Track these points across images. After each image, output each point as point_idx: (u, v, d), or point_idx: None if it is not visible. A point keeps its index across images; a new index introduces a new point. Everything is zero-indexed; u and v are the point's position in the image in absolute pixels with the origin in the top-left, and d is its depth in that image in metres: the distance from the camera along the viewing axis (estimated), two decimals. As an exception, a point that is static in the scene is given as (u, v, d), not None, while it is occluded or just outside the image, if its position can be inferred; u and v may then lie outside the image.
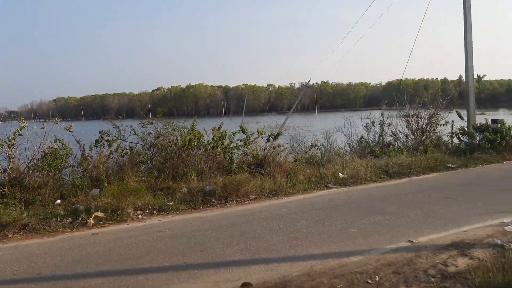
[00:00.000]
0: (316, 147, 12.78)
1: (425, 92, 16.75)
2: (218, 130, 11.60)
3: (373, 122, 14.82)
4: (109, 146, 10.20)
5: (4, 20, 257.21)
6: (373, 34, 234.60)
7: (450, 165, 12.15)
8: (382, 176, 11.22)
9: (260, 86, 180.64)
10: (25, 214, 7.43)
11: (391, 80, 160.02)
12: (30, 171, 8.85)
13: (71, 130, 9.72)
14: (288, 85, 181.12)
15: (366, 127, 14.93)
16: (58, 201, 8.43)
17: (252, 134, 11.96)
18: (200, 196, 8.86)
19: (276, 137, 12.08)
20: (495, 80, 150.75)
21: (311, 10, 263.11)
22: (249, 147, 11.76)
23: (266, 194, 9.43)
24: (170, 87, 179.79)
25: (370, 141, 14.68)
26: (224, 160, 11.14)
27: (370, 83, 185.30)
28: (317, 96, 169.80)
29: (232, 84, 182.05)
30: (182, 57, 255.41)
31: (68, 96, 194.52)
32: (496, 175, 10.95)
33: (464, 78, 16.71)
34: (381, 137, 14.73)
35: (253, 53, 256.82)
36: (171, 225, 7.18)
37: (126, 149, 10.60)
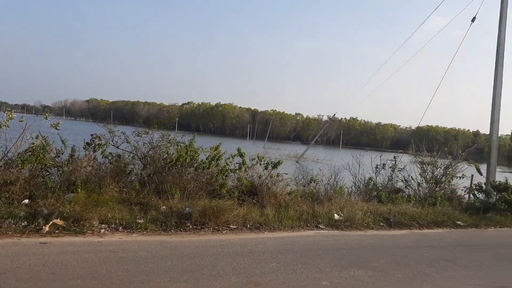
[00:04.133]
0: (315, 182, 11.95)
1: (454, 142, 15.78)
2: (215, 149, 11.05)
3: (383, 164, 13.90)
4: (94, 151, 9.76)
5: (49, 12, 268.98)
6: (408, 76, 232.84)
7: (459, 222, 11.10)
8: (382, 224, 10.30)
9: (288, 113, 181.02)
10: (-18, 211, 6.95)
11: (421, 125, 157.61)
12: (6, 166, 8.43)
13: (57, 127, 9.34)
14: (316, 116, 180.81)
15: (376, 168, 14.03)
16: (26, 201, 7.91)
17: (253, 159, 11.38)
18: (174, 218, 8.18)
19: (275, 165, 11.34)
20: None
21: (345, 46, 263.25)
22: (247, 172, 11.12)
23: (248, 226, 8.68)
24: (200, 103, 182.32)
25: (379, 184, 13.76)
26: (215, 183, 10.50)
27: (399, 126, 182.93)
28: (344, 131, 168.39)
29: (260, 108, 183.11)
30: (215, 75, 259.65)
31: (101, 99, 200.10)
32: (508, 241, 9.86)
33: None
34: (390, 182, 13.79)
35: (284, 80, 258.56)
36: (128, 246, 6.53)
37: (115, 156, 10.17)
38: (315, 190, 11.57)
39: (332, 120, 50.85)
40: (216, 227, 8.30)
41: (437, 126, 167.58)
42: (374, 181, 13.66)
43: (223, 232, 8.16)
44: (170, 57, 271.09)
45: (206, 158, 10.69)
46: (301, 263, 6.55)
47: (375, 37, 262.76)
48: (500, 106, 13.95)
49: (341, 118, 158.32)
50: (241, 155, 11.10)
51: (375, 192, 13.25)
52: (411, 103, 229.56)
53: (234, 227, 8.48)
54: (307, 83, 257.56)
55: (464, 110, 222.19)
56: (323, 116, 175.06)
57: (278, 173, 11.35)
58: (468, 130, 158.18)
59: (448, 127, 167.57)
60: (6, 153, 8.36)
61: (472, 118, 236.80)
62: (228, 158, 11.08)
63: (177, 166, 10.06)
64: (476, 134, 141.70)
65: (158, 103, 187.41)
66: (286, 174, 11.99)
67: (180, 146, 10.78)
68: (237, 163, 11.13)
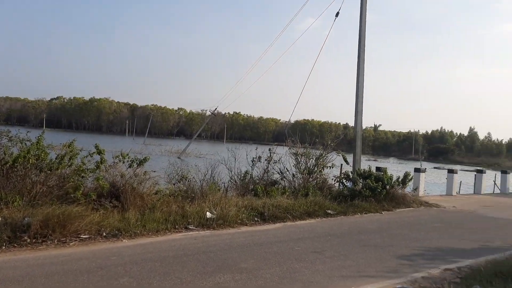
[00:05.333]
0: (186, 179, 11.17)
1: (328, 134, 16.35)
2: (69, 146, 9.61)
3: (259, 157, 13.71)
4: None
5: None
6: (288, 74, 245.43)
7: (329, 211, 11.31)
8: (256, 219, 9.93)
9: (170, 108, 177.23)
10: None
11: (299, 119, 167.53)
12: None
13: None
14: (200, 111, 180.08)
15: (252, 161, 13.79)
16: None
17: (116, 157, 10.14)
18: (8, 231, 6.67)
19: (141, 162, 10.25)
20: (389, 130, 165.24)
21: (225, 43, 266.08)
22: (108, 172, 9.85)
23: (104, 234, 7.52)
24: (71, 98, 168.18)
25: (256, 177, 13.52)
26: (67, 185, 9.04)
27: (280, 120, 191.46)
28: (228, 125, 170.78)
29: (140, 103, 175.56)
30: (88, 68, 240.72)
31: None
32: (371, 227, 10.25)
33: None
34: (266, 174, 13.65)
35: (165, 76, 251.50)
36: None
37: None
38: (184, 188, 10.73)
39: (214, 114, 50.69)
40: (63, 239, 7.01)
41: (313, 119, 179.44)
42: (250, 174, 13.40)
43: (71, 244, 6.91)
44: (35, 48, 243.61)
45: (56, 157, 9.19)
46: (160, 274, 5.70)
47: (258, 36, 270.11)
48: (363, 97, 14.72)
49: (225, 113, 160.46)
50: (99, 152, 9.81)
51: (252, 186, 12.98)
52: (291, 99, 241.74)
53: (85, 237, 7.26)
54: (190, 78, 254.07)
55: (337, 104, 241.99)
56: (206, 110, 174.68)
57: (145, 171, 10.31)
58: (340, 123, 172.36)
59: (323, 120, 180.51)
60: None
61: (344, 112, 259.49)
62: (86, 156, 9.72)
63: (16, 168, 8.42)
64: (346, 126, 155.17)
65: (22, 98, 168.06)
66: (155, 171, 11.00)
67: (25, 144, 9.14)
68: (97, 161, 9.83)
